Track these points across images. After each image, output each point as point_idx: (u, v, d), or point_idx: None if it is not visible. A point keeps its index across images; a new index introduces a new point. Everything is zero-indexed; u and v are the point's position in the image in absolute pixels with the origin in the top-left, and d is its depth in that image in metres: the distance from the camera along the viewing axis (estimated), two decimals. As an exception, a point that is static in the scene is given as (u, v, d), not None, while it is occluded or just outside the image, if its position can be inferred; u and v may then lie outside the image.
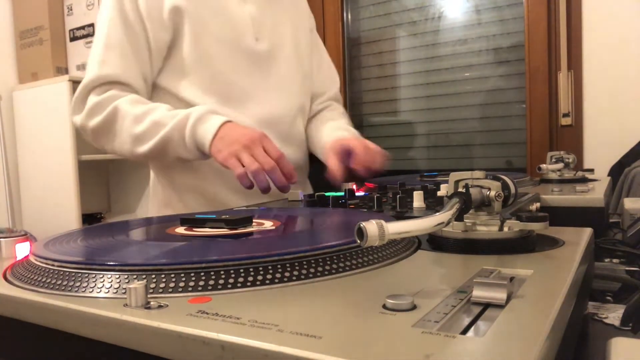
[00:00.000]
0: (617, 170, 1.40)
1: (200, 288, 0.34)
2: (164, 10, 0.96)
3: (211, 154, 0.87)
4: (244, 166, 0.83)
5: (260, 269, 0.36)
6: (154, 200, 1.10)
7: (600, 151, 1.67)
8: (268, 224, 0.54)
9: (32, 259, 0.43)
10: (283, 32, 1.09)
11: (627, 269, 0.62)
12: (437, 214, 0.39)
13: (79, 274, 0.37)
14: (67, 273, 0.38)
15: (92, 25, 2.20)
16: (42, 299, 0.35)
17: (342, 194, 0.81)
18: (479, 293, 0.30)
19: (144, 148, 0.91)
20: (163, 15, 0.95)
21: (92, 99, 0.94)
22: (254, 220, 0.55)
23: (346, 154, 0.99)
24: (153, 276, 0.35)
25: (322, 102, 1.22)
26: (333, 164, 0.98)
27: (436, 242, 0.47)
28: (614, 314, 0.50)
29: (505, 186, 0.46)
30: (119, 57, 0.94)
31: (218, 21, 0.99)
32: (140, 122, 0.91)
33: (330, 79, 1.25)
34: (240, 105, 0.99)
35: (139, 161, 1.07)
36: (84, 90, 0.95)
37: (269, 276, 0.36)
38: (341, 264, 0.39)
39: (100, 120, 0.93)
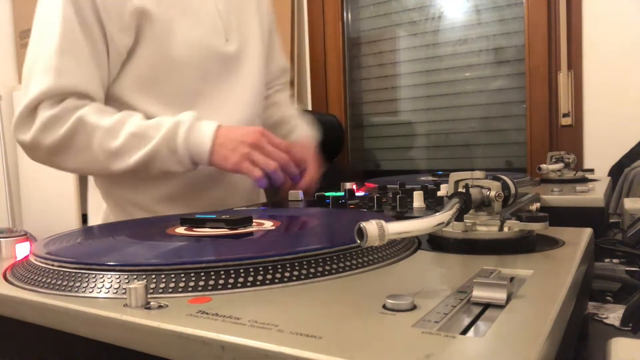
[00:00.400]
0: (617, 170, 1.40)
1: (200, 288, 0.34)
2: (125, 10, 0.83)
3: (213, 162, 0.81)
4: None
5: (260, 269, 0.36)
6: (95, 217, 0.99)
7: (600, 151, 1.67)
8: (268, 224, 0.54)
9: (32, 259, 0.43)
10: (250, 29, 0.99)
11: (627, 269, 0.62)
12: (437, 214, 0.39)
13: (79, 274, 0.37)
14: (67, 273, 0.38)
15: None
16: (42, 299, 0.35)
17: (342, 194, 0.81)
18: (479, 293, 0.30)
19: (123, 164, 0.81)
20: (124, 15, 0.84)
21: (45, 112, 0.80)
22: (254, 221, 0.55)
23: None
24: (153, 276, 0.35)
25: (277, 86, 1.17)
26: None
27: (436, 242, 0.47)
28: (614, 314, 0.50)
29: (505, 186, 0.46)
30: (77, 64, 0.82)
31: (186, 22, 0.89)
32: (115, 135, 0.80)
33: (284, 67, 1.20)
34: (203, 114, 0.87)
35: (108, 176, 0.92)
36: (31, 105, 0.81)
37: (269, 276, 0.36)
38: (341, 264, 0.39)
39: (61, 135, 0.81)
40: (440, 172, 1.15)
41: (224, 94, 0.94)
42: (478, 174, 0.46)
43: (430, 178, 1.11)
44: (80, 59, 0.82)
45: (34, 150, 0.84)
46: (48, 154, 0.84)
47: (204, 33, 0.91)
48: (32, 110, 0.82)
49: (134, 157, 0.81)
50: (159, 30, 0.86)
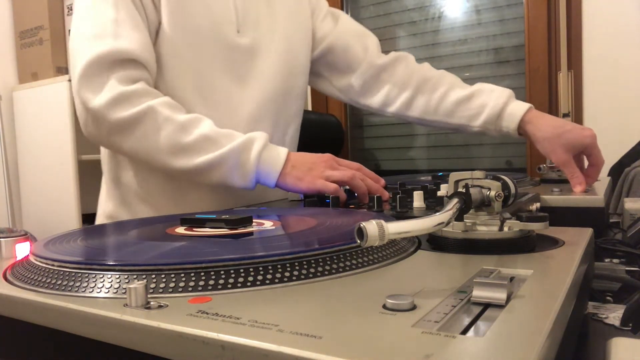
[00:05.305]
0: (617, 170, 1.40)
1: (200, 288, 0.34)
2: None
3: (281, 183, 0.80)
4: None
5: (260, 269, 0.36)
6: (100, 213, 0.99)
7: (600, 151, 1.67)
8: (268, 224, 0.54)
9: (32, 259, 0.43)
10: (273, 23, 0.97)
11: (627, 269, 0.62)
12: (437, 214, 0.39)
13: (79, 274, 0.37)
14: (67, 273, 0.38)
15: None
16: (42, 299, 0.35)
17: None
18: (479, 293, 0.30)
19: (187, 162, 0.79)
20: None
21: (116, 85, 0.79)
22: (254, 220, 0.55)
23: (578, 154, 0.92)
24: (153, 276, 0.35)
25: (375, 63, 1.09)
26: (573, 172, 0.88)
27: (436, 242, 0.47)
28: (614, 314, 0.50)
29: (505, 186, 0.46)
30: (134, 33, 0.82)
31: (196, 7, 0.87)
32: (187, 132, 0.79)
33: (366, 45, 1.11)
34: (214, 105, 0.88)
35: (159, 170, 0.88)
36: (97, 64, 0.79)
37: (269, 276, 0.36)
38: (341, 264, 0.39)
39: (129, 115, 0.78)
40: (441, 174, 1.15)
41: (235, 88, 0.92)
42: (478, 174, 0.46)
43: (430, 178, 1.11)
44: (137, 29, 0.82)
45: (97, 121, 0.80)
46: (110, 130, 0.81)
47: (213, 19, 0.89)
48: (100, 71, 0.79)
49: (200, 159, 0.79)
50: (171, 10, 0.85)
